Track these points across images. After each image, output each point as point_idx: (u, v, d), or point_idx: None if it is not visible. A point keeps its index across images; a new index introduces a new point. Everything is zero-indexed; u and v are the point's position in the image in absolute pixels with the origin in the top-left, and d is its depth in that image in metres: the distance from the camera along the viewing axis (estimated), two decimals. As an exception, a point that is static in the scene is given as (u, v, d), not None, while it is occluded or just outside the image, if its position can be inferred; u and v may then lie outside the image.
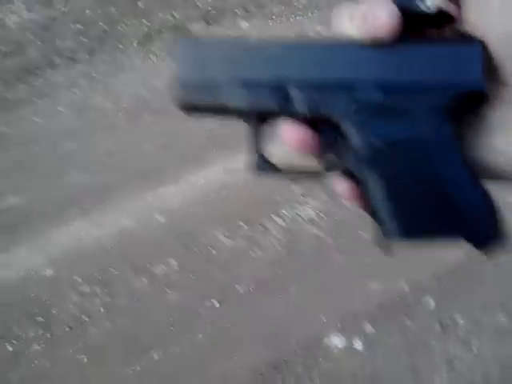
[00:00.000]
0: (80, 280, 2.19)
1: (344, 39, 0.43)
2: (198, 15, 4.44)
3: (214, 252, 2.27)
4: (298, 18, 4.25)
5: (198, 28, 4.23)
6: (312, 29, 4.04)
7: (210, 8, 4.54)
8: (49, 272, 2.22)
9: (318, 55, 0.44)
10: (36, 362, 1.92)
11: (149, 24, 4.36)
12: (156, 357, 1.93)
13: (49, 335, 1.99)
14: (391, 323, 1.94)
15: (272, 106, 0.45)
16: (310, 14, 4.31)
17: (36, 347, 1.96)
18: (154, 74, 3.74)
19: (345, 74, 0.43)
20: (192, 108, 0.47)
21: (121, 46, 4.17)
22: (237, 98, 0.45)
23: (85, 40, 4.22)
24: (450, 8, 0.41)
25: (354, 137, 0.44)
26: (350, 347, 1.93)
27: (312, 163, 0.47)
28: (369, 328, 1.98)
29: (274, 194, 2.47)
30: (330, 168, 0.46)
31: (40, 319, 2.05)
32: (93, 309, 2.09)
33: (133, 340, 1.98)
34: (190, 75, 0.46)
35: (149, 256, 2.28)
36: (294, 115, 0.45)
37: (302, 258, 2.12)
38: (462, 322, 1.89)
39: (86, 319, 2.05)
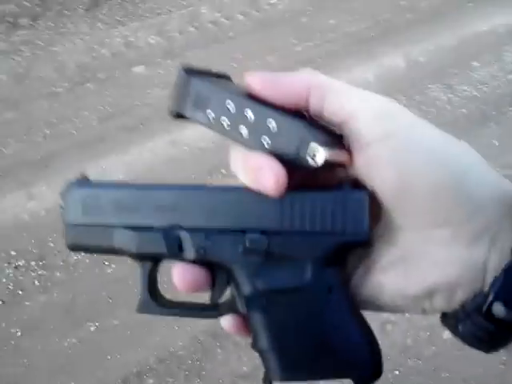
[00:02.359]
0: (14, 253, 2.14)
1: (233, 185, 0.44)
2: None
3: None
4: None
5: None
6: (266, 1, 3.98)
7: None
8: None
9: (207, 201, 0.44)
10: (-33, 336, 1.88)
11: (96, -10, 4.22)
12: (93, 329, 1.90)
13: (-19, 309, 1.94)
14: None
15: (161, 250, 0.45)
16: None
17: (-33, 322, 1.91)
18: (101, 41, 3.61)
19: (233, 220, 0.44)
20: (82, 248, 0.48)
21: (66, 12, 4.01)
22: (126, 242, 0.46)
23: (28, 5, 4.05)
24: (340, 156, 0.42)
25: (242, 281, 0.45)
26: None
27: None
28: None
29: (220, 165, 2.45)
30: (220, 306, 0.47)
31: (-29, 293, 2.00)
32: (27, 282, 2.04)
33: (69, 313, 1.94)
34: (80, 217, 0.46)
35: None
36: (184, 259, 0.45)
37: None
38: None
39: (20, 292, 2.00)
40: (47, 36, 3.72)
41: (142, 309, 0.49)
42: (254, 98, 0.42)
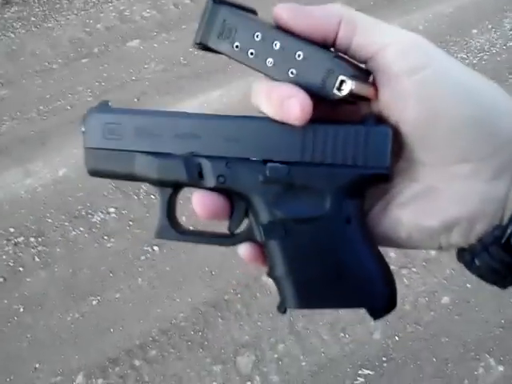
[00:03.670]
0: (12, 230, 2.14)
1: (256, 115, 0.44)
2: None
3: (153, 198, 2.24)
4: None
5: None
6: None
7: None
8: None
9: (228, 129, 0.45)
10: (-32, 314, 1.89)
11: (89, -36, 4.14)
12: (95, 303, 1.91)
13: (-18, 286, 1.95)
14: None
15: (182, 176, 0.46)
16: None
17: (-32, 299, 1.92)
18: (95, 16, 3.56)
19: (254, 149, 0.44)
20: (101, 175, 0.48)
21: (59, -13, 3.96)
22: (147, 168, 0.46)
23: (20, -20, 3.99)
24: (365, 90, 0.42)
25: (261, 209, 0.45)
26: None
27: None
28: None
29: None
30: (237, 235, 0.48)
31: (-29, 271, 2.00)
32: (27, 258, 2.05)
33: (70, 288, 1.96)
34: (100, 142, 0.47)
35: (86, 205, 2.24)
36: (204, 187, 0.46)
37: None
38: (393, 255, 1.94)
39: (20, 269, 2.01)
40: (41, 12, 3.67)
41: (161, 234, 0.49)
42: (281, 30, 0.42)
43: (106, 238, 2.11)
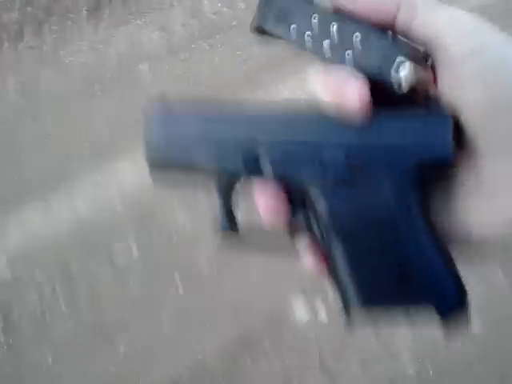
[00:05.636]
0: (39, 275, 2.15)
1: (313, 104, 0.44)
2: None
3: (174, 235, 2.23)
4: None
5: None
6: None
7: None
8: (6, 273, 2.17)
9: (287, 119, 0.45)
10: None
11: (97, -10, 4.17)
12: (122, 349, 1.91)
13: (11, 341, 1.96)
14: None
15: (239, 166, 0.46)
16: None
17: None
18: (106, 42, 3.59)
19: (312, 138, 0.44)
20: (161, 166, 0.49)
21: (70, 15, 3.99)
22: (205, 158, 0.46)
23: (31, 11, 4.03)
24: (425, 75, 0.41)
25: (320, 201, 0.44)
26: (314, 318, 1.94)
27: (278, 227, 0.48)
28: (332, 298, 1.98)
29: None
30: (296, 233, 0.47)
31: None
32: (55, 307, 2.05)
33: (96, 333, 1.96)
34: (159, 134, 0.48)
35: (109, 246, 2.23)
36: (263, 178, 0.46)
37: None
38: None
39: (47, 316, 2.01)
40: (52, 41, 3.71)
41: (223, 229, 0.49)
42: (338, 13, 0.43)
43: (129, 279, 2.11)
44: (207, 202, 2.34)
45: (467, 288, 0.43)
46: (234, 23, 3.57)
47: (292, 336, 1.88)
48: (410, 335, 1.83)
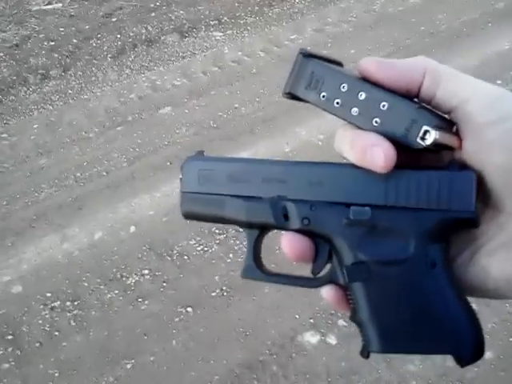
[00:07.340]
0: (49, 295, 2.16)
1: (340, 162, 0.46)
2: (172, 28, 4.45)
3: (186, 259, 2.25)
4: (272, 28, 4.27)
5: (171, 39, 4.24)
6: (286, 37, 4.06)
7: (183, 20, 4.56)
8: (17, 289, 2.19)
9: (313, 174, 0.47)
10: (5, 380, 1.88)
11: (122, 38, 4.36)
12: (129, 366, 1.89)
13: (19, 352, 1.95)
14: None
15: (269, 219, 0.48)
16: (284, 24, 4.34)
17: (5, 365, 1.92)
18: (129, 87, 3.72)
19: (338, 193, 0.46)
20: (194, 217, 0.52)
21: (94, 61, 4.15)
22: (236, 211, 0.49)
23: (58, 56, 4.21)
24: (449, 140, 0.43)
25: (345, 252, 0.46)
26: (323, 342, 1.92)
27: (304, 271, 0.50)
28: (341, 322, 1.97)
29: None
30: (321, 277, 0.49)
31: (9, 337, 2.01)
32: (63, 322, 2.05)
33: (105, 351, 1.95)
34: (195, 187, 0.51)
35: (121, 267, 2.26)
36: (289, 229, 0.48)
37: (275, 258, 2.11)
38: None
39: (57, 333, 2.01)
40: (77, 85, 3.84)
41: (246, 274, 0.51)
42: (366, 81, 0.44)
43: (140, 300, 2.12)
44: (219, 231, 2.38)
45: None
46: (254, 71, 3.76)
47: (300, 358, 1.86)
48: (419, 360, 1.81)
